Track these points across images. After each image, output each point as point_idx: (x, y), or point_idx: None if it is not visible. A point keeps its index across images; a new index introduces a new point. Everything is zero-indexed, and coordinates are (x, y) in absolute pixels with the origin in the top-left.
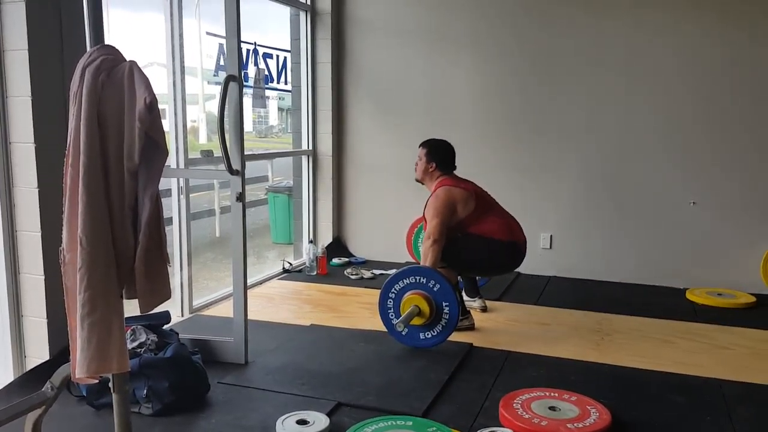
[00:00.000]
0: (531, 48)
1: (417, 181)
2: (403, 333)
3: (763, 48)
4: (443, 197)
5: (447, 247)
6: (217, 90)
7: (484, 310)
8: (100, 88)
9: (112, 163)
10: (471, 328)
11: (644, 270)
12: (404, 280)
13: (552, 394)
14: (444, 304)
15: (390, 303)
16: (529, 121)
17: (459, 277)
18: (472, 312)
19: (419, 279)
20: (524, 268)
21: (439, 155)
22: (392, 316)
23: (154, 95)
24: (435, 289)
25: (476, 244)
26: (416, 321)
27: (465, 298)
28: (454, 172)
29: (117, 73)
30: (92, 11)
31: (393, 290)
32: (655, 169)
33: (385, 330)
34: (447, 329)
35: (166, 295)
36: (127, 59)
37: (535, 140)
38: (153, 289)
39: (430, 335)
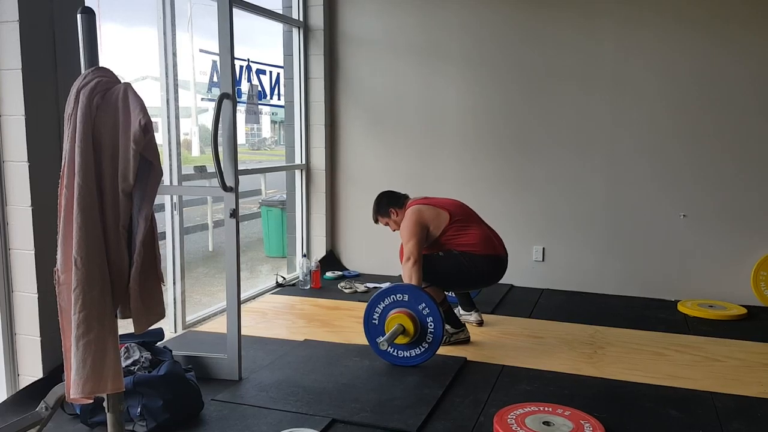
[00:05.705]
0: (522, 64)
1: None
2: (388, 350)
3: (744, 65)
4: (412, 217)
5: (429, 268)
6: (210, 105)
7: (480, 323)
8: (94, 110)
9: (106, 184)
10: (467, 341)
11: (636, 282)
12: (388, 298)
13: (546, 408)
14: (429, 321)
15: (375, 319)
16: (520, 135)
17: (451, 293)
18: (468, 326)
19: (403, 297)
20: (517, 281)
21: (384, 201)
22: (377, 334)
23: (148, 117)
24: (420, 308)
25: (456, 260)
26: (401, 340)
27: (460, 311)
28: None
29: (111, 95)
30: (87, 33)
31: (377, 308)
32: (645, 182)
33: None
34: (431, 348)
35: (161, 314)
36: (122, 81)
37: (526, 154)
38: (147, 309)
39: (414, 354)
